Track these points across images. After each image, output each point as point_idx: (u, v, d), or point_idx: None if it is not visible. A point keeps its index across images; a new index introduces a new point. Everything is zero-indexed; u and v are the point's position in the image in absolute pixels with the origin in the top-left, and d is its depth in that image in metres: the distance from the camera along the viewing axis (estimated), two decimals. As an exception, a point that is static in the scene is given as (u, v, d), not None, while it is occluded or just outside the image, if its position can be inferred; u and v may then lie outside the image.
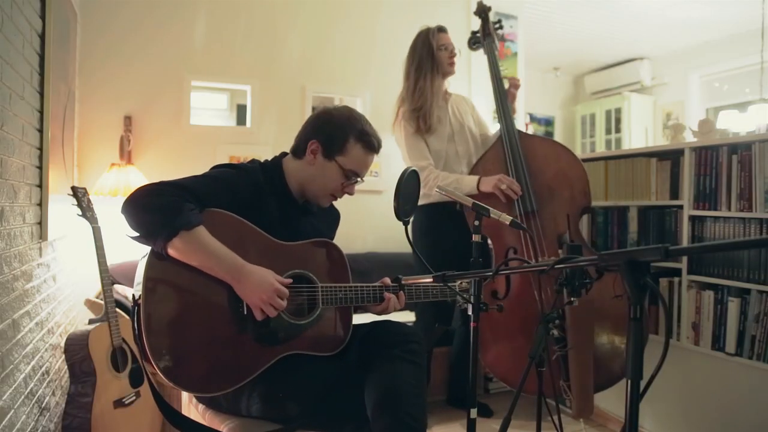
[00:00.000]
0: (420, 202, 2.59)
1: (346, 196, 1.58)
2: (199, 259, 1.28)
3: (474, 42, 2.77)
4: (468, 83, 3.86)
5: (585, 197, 2.36)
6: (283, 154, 1.61)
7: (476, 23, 2.79)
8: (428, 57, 2.55)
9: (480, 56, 3.92)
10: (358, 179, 1.55)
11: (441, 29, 2.60)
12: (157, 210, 1.26)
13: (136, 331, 1.26)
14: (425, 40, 2.57)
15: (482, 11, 2.73)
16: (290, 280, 1.37)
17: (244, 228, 1.39)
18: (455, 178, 2.45)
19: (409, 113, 2.53)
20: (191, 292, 1.30)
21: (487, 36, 2.69)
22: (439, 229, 2.52)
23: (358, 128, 1.51)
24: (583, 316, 2.03)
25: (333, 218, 1.73)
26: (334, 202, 1.74)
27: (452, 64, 2.58)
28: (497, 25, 2.74)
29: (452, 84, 2.78)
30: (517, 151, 2.40)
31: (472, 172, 2.50)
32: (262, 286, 1.29)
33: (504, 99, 2.53)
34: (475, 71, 3.89)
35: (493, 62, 2.61)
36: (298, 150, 1.55)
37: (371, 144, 1.52)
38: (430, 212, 2.60)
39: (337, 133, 1.50)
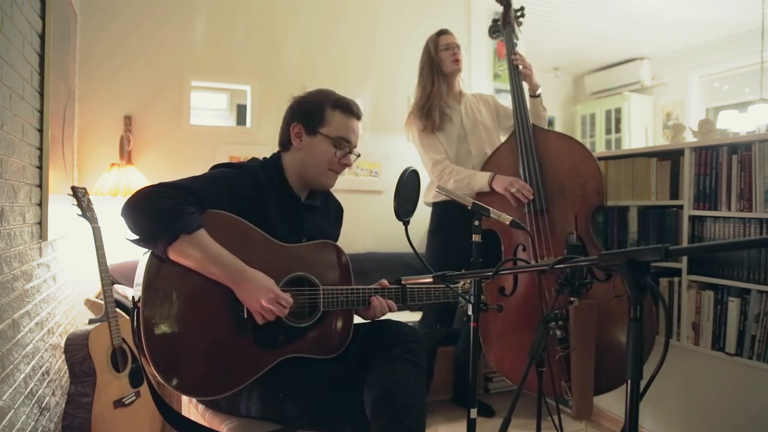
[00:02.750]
0: (434, 200, 2.62)
1: (346, 196, 1.58)
2: (200, 263, 1.27)
3: (494, 30, 2.75)
4: (468, 80, 3.86)
5: (598, 196, 2.31)
6: (281, 151, 1.61)
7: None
8: (428, 61, 2.61)
9: (480, 51, 3.90)
10: (351, 148, 1.54)
11: (441, 32, 2.64)
12: (157, 213, 1.25)
13: (136, 334, 1.26)
14: (426, 47, 2.64)
15: None
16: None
17: (246, 230, 1.38)
18: (469, 173, 2.46)
19: (417, 112, 2.59)
20: (191, 295, 1.29)
21: (507, 24, 2.67)
22: (451, 227, 2.51)
23: (332, 98, 1.54)
24: (586, 318, 2.02)
25: (336, 214, 1.73)
26: (337, 197, 1.75)
27: (456, 61, 2.59)
28: (519, 13, 2.70)
29: (477, 83, 2.78)
30: (530, 147, 2.38)
31: (485, 167, 2.50)
32: (262, 290, 1.29)
33: (520, 91, 2.50)
34: (475, 66, 3.90)
35: (511, 52, 2.59)
36: (284, 142, 1.57)
37: (349, 107, 1.54)
38: (441, 210, 2.61)
39: (312, 108, 1.53)
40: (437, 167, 2.52)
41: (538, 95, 2.60)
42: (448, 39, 2.61)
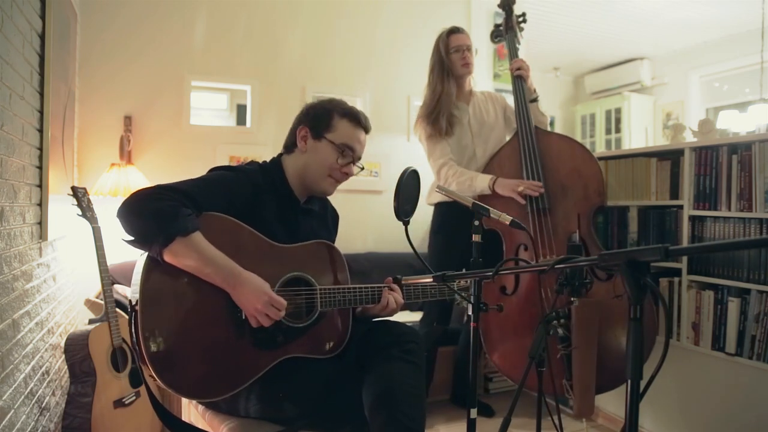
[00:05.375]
0: (434, 201, 2.62)
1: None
2: (195, 265, 1.26)
3: (497, 36, 2.76)
4: (491, 81, 3.86)
5: (599, 196, 2.33)
6: (281, 154, 1.61)
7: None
8: (438, 62, 2.56)
9: (480, 52, 3.91)
10: (354, 158, 1.55)
11: (452, 31, 2.58)
12: (153, 215, 1.25)
13: (134, 337, 1.26)
14: (436, 46, 2.59)
15: (506, 4, 2.71)
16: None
17: (242, 231, 1.38)
18: (471, 175, 2.45)
19: (425, 118, 2.55)
20: (188, 297, 1.29)
21: (509, 29, 2.68)
22: (452, 228, 2.51)
23: (341, 106, 1.55)
24: (588, 316, 2.02)
25: (333, 220, 1.73)
26: (333, 203, 1.75)
27: (466, 65, 2.55)
28: (521, 19, 2.72)
29: (477, 82, 2.78)
30: (533, 148, 2.38)
31: (487, 168, 2.50)
32: (257, 294, 1.28)
33: (522, 94, 2.50)
34: (475, 65, 3.88)
35: (513, 57, 2.61)
36: (290, 144, 1.58)
37: (357, 117, 1.55)
38: (443, 210, 2.61)
39: (321, 114, 1.54)
40: (441, 171, 2.50)
41: (535, 99, 2.55)
42: (459, 40, 2.55)
